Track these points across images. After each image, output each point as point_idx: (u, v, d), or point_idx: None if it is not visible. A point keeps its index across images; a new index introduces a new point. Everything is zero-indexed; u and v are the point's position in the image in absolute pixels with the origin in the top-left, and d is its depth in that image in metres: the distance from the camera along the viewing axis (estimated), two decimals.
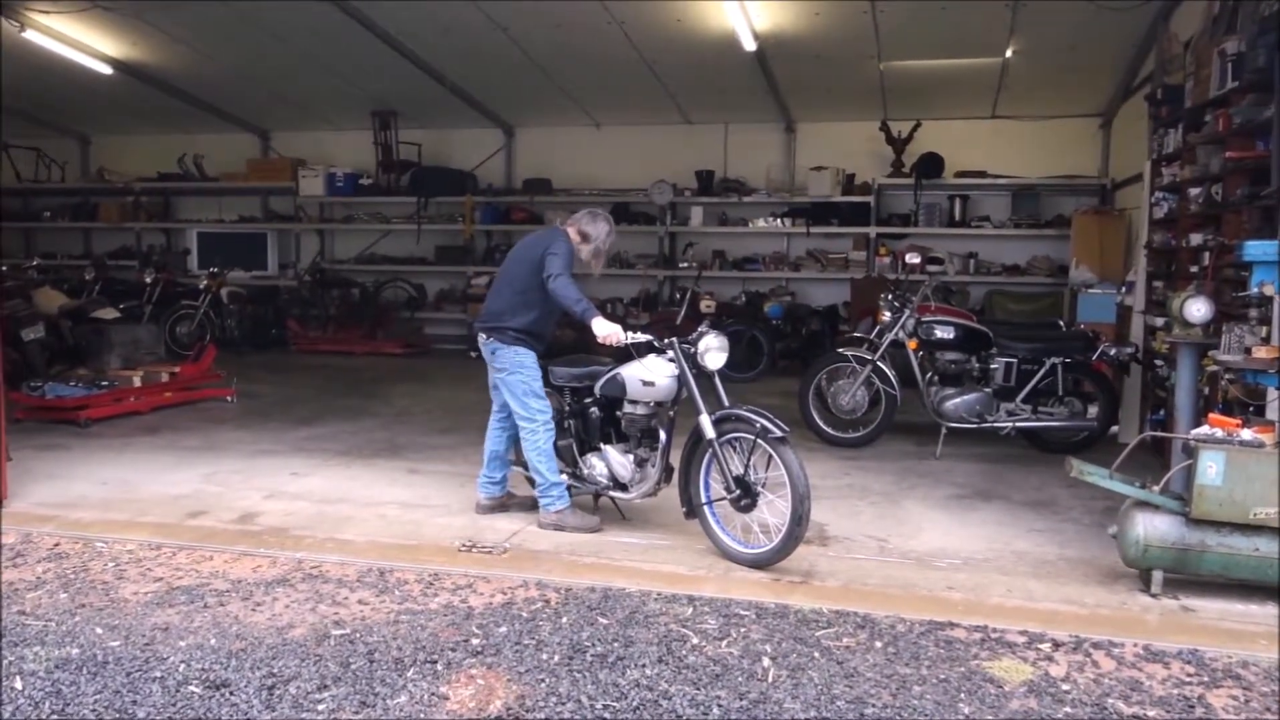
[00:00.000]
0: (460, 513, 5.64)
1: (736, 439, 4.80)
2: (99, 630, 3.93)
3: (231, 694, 3.40)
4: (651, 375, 5.05)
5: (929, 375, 7.45)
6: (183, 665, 3.61)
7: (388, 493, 6.10)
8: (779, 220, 12.52)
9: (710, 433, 4.81)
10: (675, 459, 5.11)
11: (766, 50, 10.17)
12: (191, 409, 8.79)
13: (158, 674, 3.54)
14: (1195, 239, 6.77)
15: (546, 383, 5.39)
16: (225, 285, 12.41)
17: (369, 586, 4.45)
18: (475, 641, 3.85)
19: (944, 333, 7.37)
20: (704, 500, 4.91)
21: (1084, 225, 10.55)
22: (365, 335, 13.15)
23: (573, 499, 5.37)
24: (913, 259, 10.82)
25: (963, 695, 3.47)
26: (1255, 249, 4.86)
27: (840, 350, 7.74)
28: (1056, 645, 3.90)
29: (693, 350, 4.98)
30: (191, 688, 3.45)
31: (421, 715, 3.29)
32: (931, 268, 11.36)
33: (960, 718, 3.31)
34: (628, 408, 5.17)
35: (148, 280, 12.11)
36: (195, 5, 9.61)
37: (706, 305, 11.17)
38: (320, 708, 3.32)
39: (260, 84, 12.38)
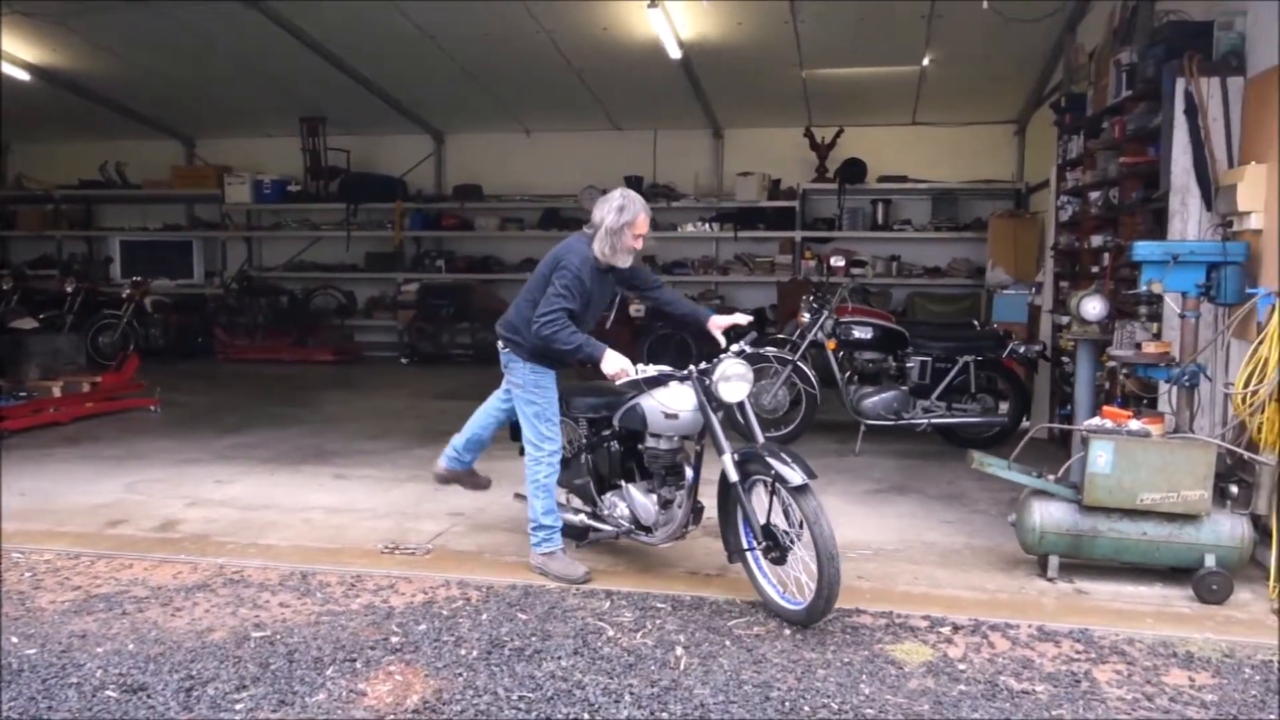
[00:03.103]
0: (386, 516, 5.69)
1: (762, 482, 4.31)
2: (14, 639, 3.91)
3: (149, 697, 3.43)
4: (674, 406, 4.48)
5: (848, 374, 7.67)
6: (100, 671, 3.63)
7: (314, 498, 6.11)
8: (707, 225, 12.71)
9: (734, 475, 4.28)
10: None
11: (692, 58, 10.34)
12: (114, 419, 8.68)
13: (74, 680, 3.55)
14: (1096, 240, 7.09)
15: (564, 412, 4.91)
16: (149, 294, 12.26)
17: (291, 589, 4.49)
18: (395, 639, 3.92)
19: (861, 333, 7.59)
20: (746, 545, 4.37)
21: (1000, 228, 10.90)
22: (294, 343, 13.05)
23: (587, 541, 4.99)
24: (837, 262, 11.13)
25: (864, 677, 3.63)
26: (1144, 249, 5.11)
27: (761, 351, 7.90)
28: (956, 628, 4.09)
29: (707, 380, 4.42)
30: (109, 692, 3.47)
31: (339, 711, 3.36)
32: (855, 270, 11.65)
33: (860, 697, 3.47)
34: (650, 441, 4.61)
35: (69, 290, 11.91)
36: (117, 10, 9.48)
37: (635, 309, 11.28)
38: (238, 707, 3.37)
39: (185, 90, 12.24)
